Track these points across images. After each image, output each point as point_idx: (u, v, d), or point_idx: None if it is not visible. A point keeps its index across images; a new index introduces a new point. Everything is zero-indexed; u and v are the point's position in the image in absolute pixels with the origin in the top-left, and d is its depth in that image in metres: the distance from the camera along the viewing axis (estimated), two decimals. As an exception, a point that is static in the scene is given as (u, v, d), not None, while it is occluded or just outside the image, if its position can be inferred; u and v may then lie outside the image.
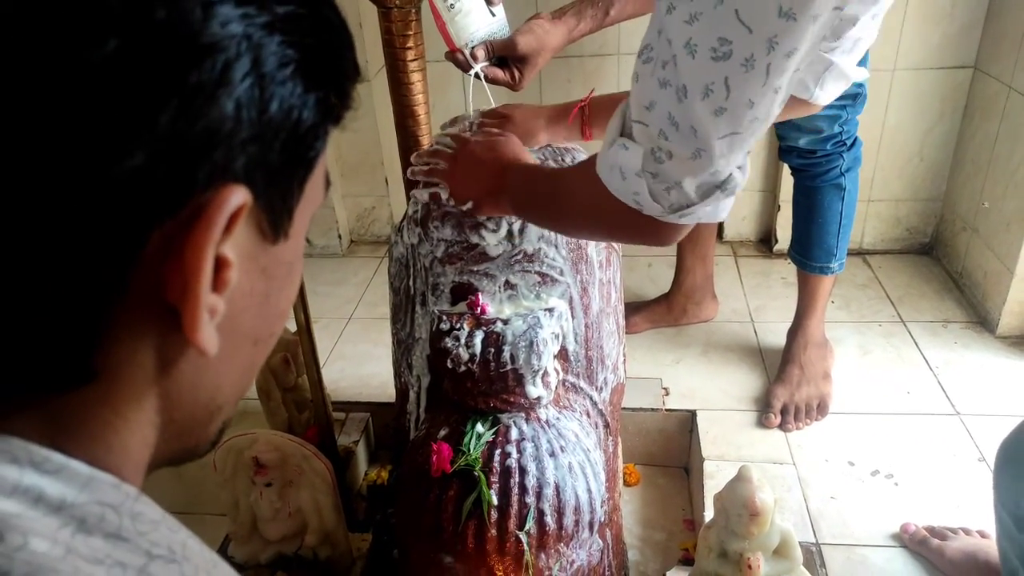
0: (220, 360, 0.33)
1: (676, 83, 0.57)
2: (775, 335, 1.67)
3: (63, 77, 0.24)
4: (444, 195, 0.92)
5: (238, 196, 0.29)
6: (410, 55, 1.06)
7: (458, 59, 1.04)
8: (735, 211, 2.13)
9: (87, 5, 0.25)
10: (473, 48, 1.02)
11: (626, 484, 1.42)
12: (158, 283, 0.29)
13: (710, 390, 1.55)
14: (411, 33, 1.05)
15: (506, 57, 1.04)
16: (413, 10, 1.04)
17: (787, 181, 1.84)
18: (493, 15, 1.02)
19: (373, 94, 2.09)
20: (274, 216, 0.32)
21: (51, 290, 0.27)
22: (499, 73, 1.04)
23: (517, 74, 1.05)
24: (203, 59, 0.27)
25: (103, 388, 0.30)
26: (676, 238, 0.69)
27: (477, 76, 1.03)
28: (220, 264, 0.29)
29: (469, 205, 0.90)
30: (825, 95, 0.85)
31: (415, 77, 1.08)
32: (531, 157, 0.89)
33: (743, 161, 0.63)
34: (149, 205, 0.27)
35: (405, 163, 1.16)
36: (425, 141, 1.13)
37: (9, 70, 0.24)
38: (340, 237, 2.26)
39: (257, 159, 0.29)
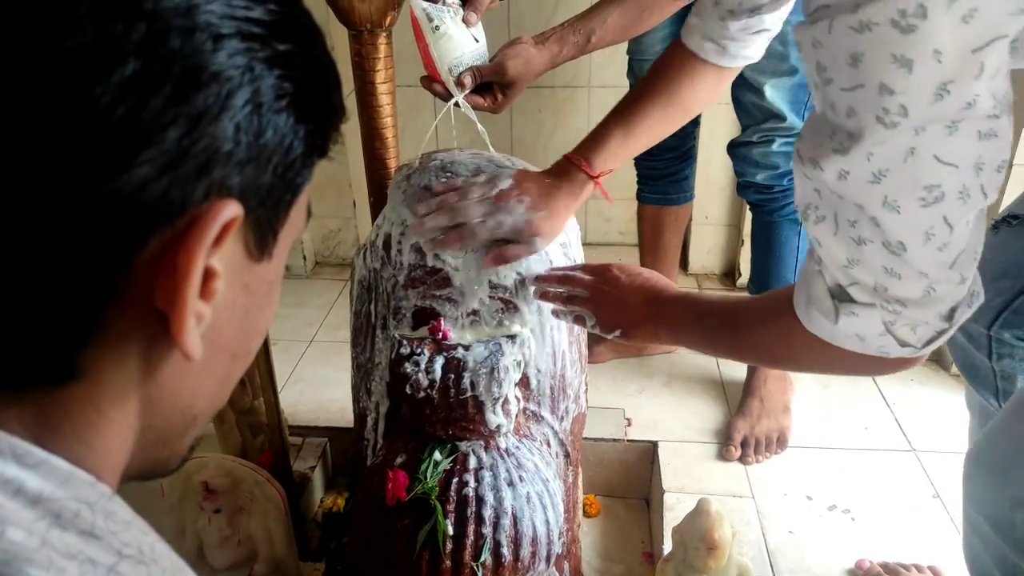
0: (201, 369, 0.35)
1: (882, 239, 0.55)
2: (737, 367, 1.68)
3: (85, 93, 0.27)
4: (590, 322, 0.88)
5: (231, 210, 0.31)
6: (379, 78, 1.05)
7: (436, 89, 1.01)
8: (700, 243, 2.15)
9: (113, 31, 0.28)
10: (460, 74, 0.99)
11: (586, 515, 1.41)
12: (149, 288, 0.30)
13: (672, 421, 1.55)
14: (380, 56, 1.04)
15: (489, 81, 1.02)
16: (383, 34, 1.04)
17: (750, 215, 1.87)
18: (476, 40, 1.00)
19: (343, 116, 2.09)
20: (261, 235, 0.34)
21: (47, 289, 0.28)
22: (479, 100, 1.02)
23: (500, 97, 1.02)
24: (210, 84, 0.30)
25: (88, 387, 0.31)
26: (922, 361, 0.65)
27: (457, 104, 1.00)
28: (208, 274, 0.31)
29: (617, 333, 0.86)
30: None
31: (384, 100, 1.07)
32: (676, 288, 0.87)
33: (975, 270, 0.59)
34: (151, 213, 0.29)
35: (372, 186, 1.15)
36: (392, 164, 1.12)
37: (39, 83, 0.27)
38: (305, 258, 2.24)
39: (251, 179, 0.32)
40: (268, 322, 0.39)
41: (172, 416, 0.35)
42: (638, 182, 1.69)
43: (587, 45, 1.05)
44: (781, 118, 1.37)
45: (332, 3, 1.01)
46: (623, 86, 1.64)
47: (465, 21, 0.98)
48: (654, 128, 0.94)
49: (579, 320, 0.90)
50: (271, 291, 0.38)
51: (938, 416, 1.59)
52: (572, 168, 0.94)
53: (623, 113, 0.94)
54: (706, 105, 0.96)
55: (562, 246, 1.00)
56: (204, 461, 1.08)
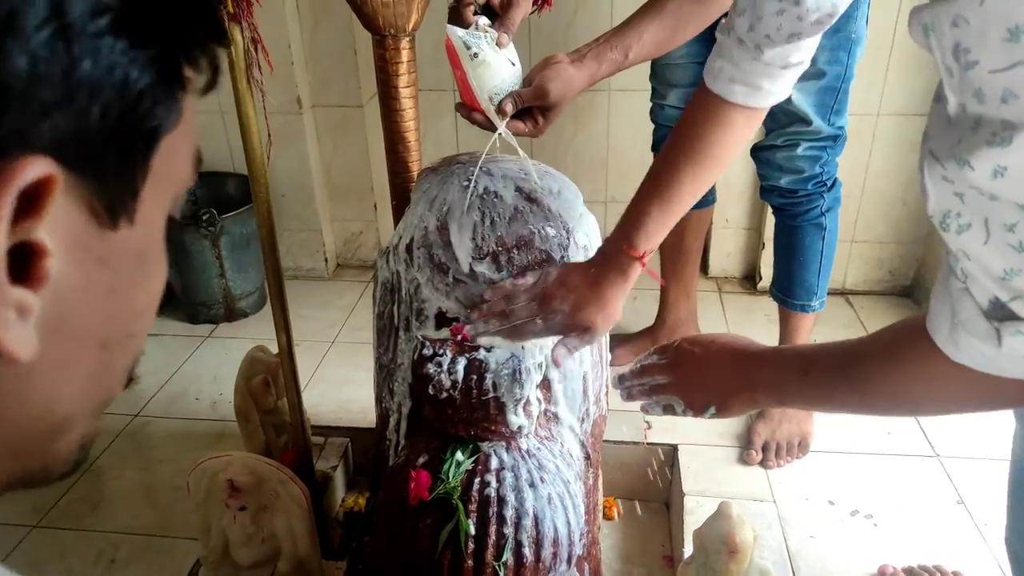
0: (52, 367, 0.28)
1: None
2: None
3: None
4: (679, 409, 0.84)
5: (36, 169, 0.24)
6: (402, 82, 1.07)
7: (475, 119, 0.99)
8: (720, 247, 2.15)
9: None
10: (501, 101, 0.95)
11: (606, 518, 1.41)
12: None
13: (692, 425, 1.54)
14: (404, 61, 1.06)
15: (529, 105, 0.99)
16: (407, 39, 1.05)
17: (772, 219, 1.86)
18: (512, 64, 0.97)
19: (365, 120, 2.10)
20: (108, 196, 0.28)
21: None
22: (520, 126, 0.99)
23: (540, 120, 0.99)
24: None
25: None
26: None
27: (493, 129, 0.97)
28: (34, 251, 0.25)
29: (712, 411, 0.81)
30: None
31: (407, 104, 1.09)
32: (760, 345, 0.81)
33: None
34: None
35: (394, 189, 1.16)
36: (415, 167, 1.13)
37: None
38: (326, 260, 2.26)
39: (67, 128, 0.25)
40: (153, 296, 0.33)
41: (27, 424, 0.29)
42: (659, 185, 1.69)
43: (624, 61, 1.02)
44: (807, 122, 1.37)
45: (356, 9, 1.02)
46: (645, 89, 1.64)
47: (497, 43, 0.95)
48: (690, 192, 0.91)
49: (669, 409, 0.85)
50: (144, 262, 0.31)
51: (963, 421, 1.57)
52: (616, 254, 0.91)
53: (657, 185, 0.91)
54: (738, 152, 0.92)
55: (583, 249, 1.01)
56: (230, 460, 1.10)
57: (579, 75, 0.99)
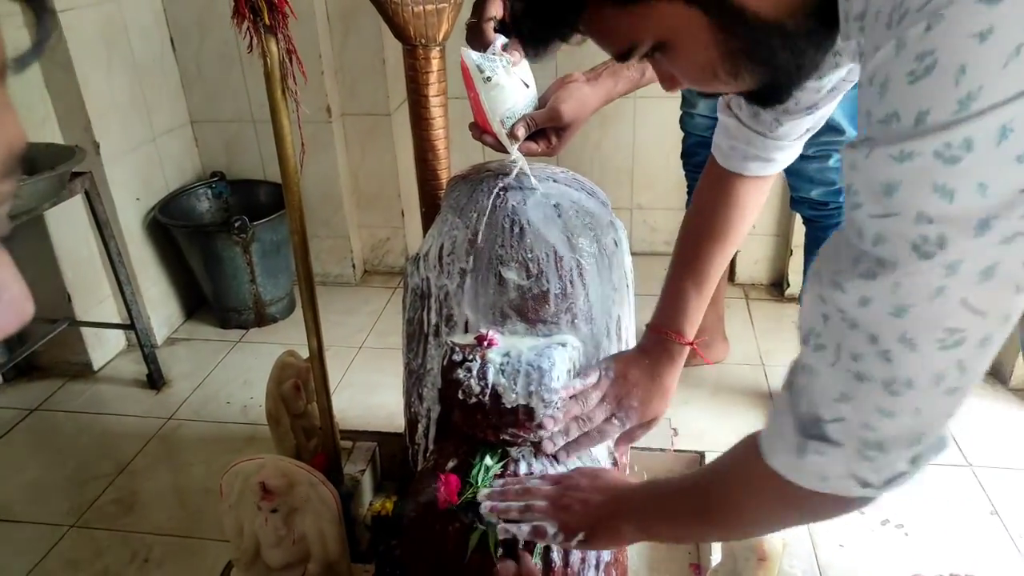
0: None
1: (885, 376, 0.52)
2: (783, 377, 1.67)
3: None
4: (551, 531, 0.83)
5: None
6: (432, 91, 1.08)
7: (487, 141, 0.99)
8: (747, 254, 2.14)
9: None
10: (513, 125, 0.95)
11: (632, 525, 1.41)
12: None
13: (719, 432, 1.54)
14: (434, 70, 1.07)
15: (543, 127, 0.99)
16: (436, 48, 1.06)
17: (800, 226, 1.85)
18: (526, 85, 0.96)
19: (393, 128, 2.13)
20: None
21: None
22: (533, 147, 0.99)
23: (555, 140, 0.99)
24: None
25: None
26: (872, 502, 0.63)
27: (506, 151, 0.98)
28: None
29: (581, 537, 0.81)
30: None
31: (436, 112, 1.10)
32: (628, 480, 0.86)
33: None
34: None
35: (423, 196, 1.18)
36: (444, 175, 1.14)
37: None
38: (354, 267, 2.28)
39: None
40: None
41: None
42: (688, 193, 1.69)
43: (641, 79, 1.01)
44: (840, 131, 1.35)
45: (387, 19, 1.04)
46: (672, 97, 1.65)
47: (510, 55, 0.95)
48: (721, 266, 0.96)
49: (538, 532, 0.84)
50: None
51: (996, 431, 1.55)
52: (666, 343, 0.97)
53: (690, 270, 0.96)
54: (759, 208, 0.96)
55: (609, 256, 1.01)
56: (262, 463, 1.12)
57: (594, 94, 0.99)
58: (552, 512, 0.83)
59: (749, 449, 0.65)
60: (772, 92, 0.62)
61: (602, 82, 1.00)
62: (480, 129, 0.99)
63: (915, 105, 0.45)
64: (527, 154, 0.99)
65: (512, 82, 0.94)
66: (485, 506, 0.88)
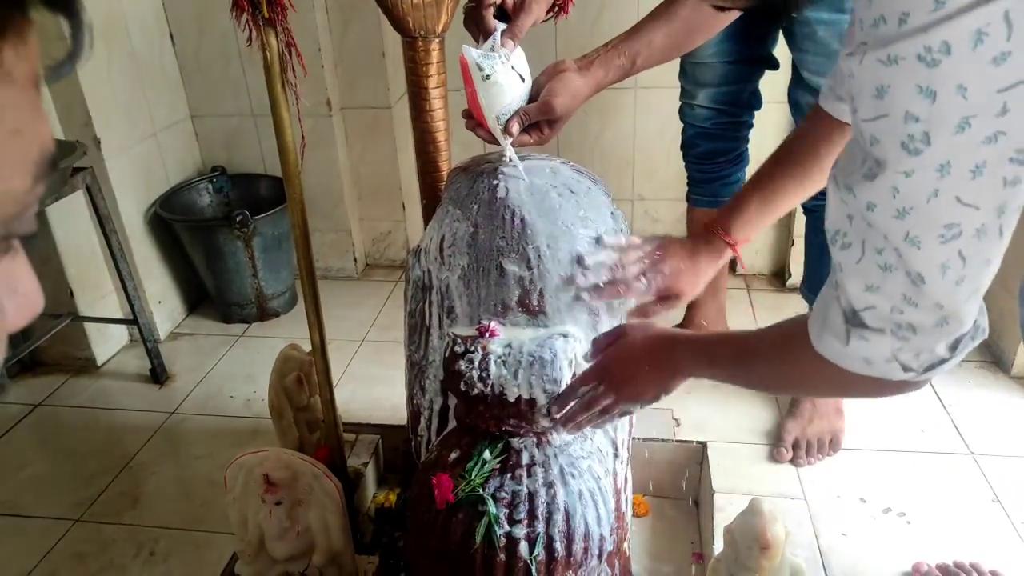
0: None
1: (905, 269, 0.57)
2: (787, 369, 1.67)
3: None
4: (635, 408, 0.89)
5: None
6: (432, 83, 1.08)
7: (480, 134, 1.00)
8: (748, 245, 2.14)
9: None
10: (507, 121, 0.96)
11: (635, 515, 1.42)
12: None
13: (721, 422, 1.54)
14: (433, 62, 1.07)
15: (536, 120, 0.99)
16: (436, 40, 1.06)
17: (801, 216, 1.85)
18: (522, 79, 0.97)
19: (393, 121, 2.13)
20: None
21: None
22: (526, 138, 1.00)
23: (546, 131, 1.00)
24: None
25: None
26: (922, 387, 0.68)
27: (499, 144, 0.99)
28: None
29: (662, 396, 0.87)
30: None
31: (436, 104, 1.10)
32: (670, 331, 0.89)
33: (981, 303, 0.62)
34: None
35: (424, 188, 1.18)
36: (445, 167, 1.14)
37: None
38: (355, 260, 2.28)
39: None
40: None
41: None
42: (688, 184, 1.69)
43: (632, 68, 1.02)
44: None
45: (387, 11, 1.04)
46: (671, 86, 1.64)
47: (502, 45, 0.95)
48: (791, 197, 0.97)
49: (625, 412, 0.90)
50: None
51: (997, 419, 1.55)
52: (713, 237, 0.98)
53: (761, 184, 0.97)
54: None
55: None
56: (266, 455, 1.12)
57: (585, 83, 1.00)
58: (624, 400, 0.88)
59: (795, 336, 0.70)
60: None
61: (593, 72, 1.00)
62: (474, 121, 1.00)
63: (898, 8, 0.50)
64: (520, 145, 1.00)
65: (510, 79, 0.94)
66: (561, 430, 0.94)
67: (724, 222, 0.98)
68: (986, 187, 0.52)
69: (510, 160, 0.99)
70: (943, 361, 0.63)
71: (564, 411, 0.91)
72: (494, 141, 0.99)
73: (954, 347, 0.62)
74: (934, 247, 0.55)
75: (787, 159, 0.96)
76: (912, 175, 0.53)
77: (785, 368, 0.75)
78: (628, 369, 0.87)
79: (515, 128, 0.96)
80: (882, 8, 0.51)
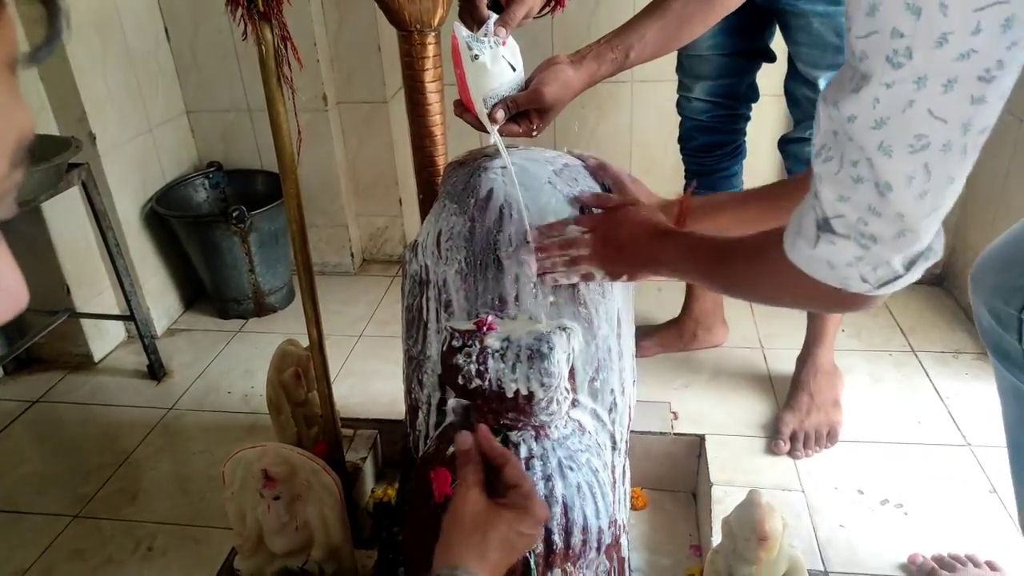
0: None
1: (874, 179, 0.62)
2: (785, 362, 1.67)
3: None
4: (599, 276, 0.92)
5: None
6: (428, 77, 1.08)
7: (468, 119, 1.00)
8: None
9: None
10: (493, 107, 0.95)
11: (633, 508, 1.42)
12: None
13: (719, 415, 1.54)
14: (429, 56, 1.07)
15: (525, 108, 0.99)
16: (432, 34, 1.06)
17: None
18: (513, 69, 0.97)
19: (390, 116, 2.12)
20: None
21: None
22: (515, 128, 0.99)
23: (536, 122, 1.00)
24: None
25: None
26: (875, 305, 0.73)
27: (486, 131, 0.98)
28: None
29: (624, 278, 0.92)
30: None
31: (433, 99, 1.10)
32: (663, 220, 0.91)
33: (939, 226, 0.67)
34: None
35: (421, 183, 1.17)
36: (441, 162, 1.14)
37: None
38: (352, 256, 2.28)
39: None
40: None
41: None
42: (686, 177, 1.69)
43: (625, 61, 1.02)
44: None
45: (382, 5, 1.04)
46: (668, 80, 1.64)
47: (495, 33, 0.95)
48: (749, 203, 1.01)
49: (586, 277, 0.93)
50: None
51: (994, 410, 1.55)
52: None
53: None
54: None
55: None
56: (264, 450, 1.12)
57: (577, 76, 0.99)
58: (598, 260, 0.91)
59: (772, 242, 0.74)
60: None
61: (585, 64, 1.00)
62: (463, 107, 0.99)
63: None
64: (508, 135, 0.99)
65: (499, 64, 0.94)
66: (535, 266, 0.94)
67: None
68: (955, 102, 0.57)
69: (494, 146, 0.98)
70: (898, 277, 0.67)
71: (545, 239, 0.93)
72: (481, 127, 0.98)
73: (909, 264, 0.67)
74: (903, 156, 0.60)
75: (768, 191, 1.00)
76: (892, 87, 0.58)
77: (758, 269, 0.78)
78: (620, 233, 0.89)
79: (500, 114, 0.95)
80: None
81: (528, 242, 0.94)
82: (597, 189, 1.04)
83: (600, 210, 0.96)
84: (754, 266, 0.79)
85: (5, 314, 0.28)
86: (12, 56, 0.24)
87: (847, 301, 0.71)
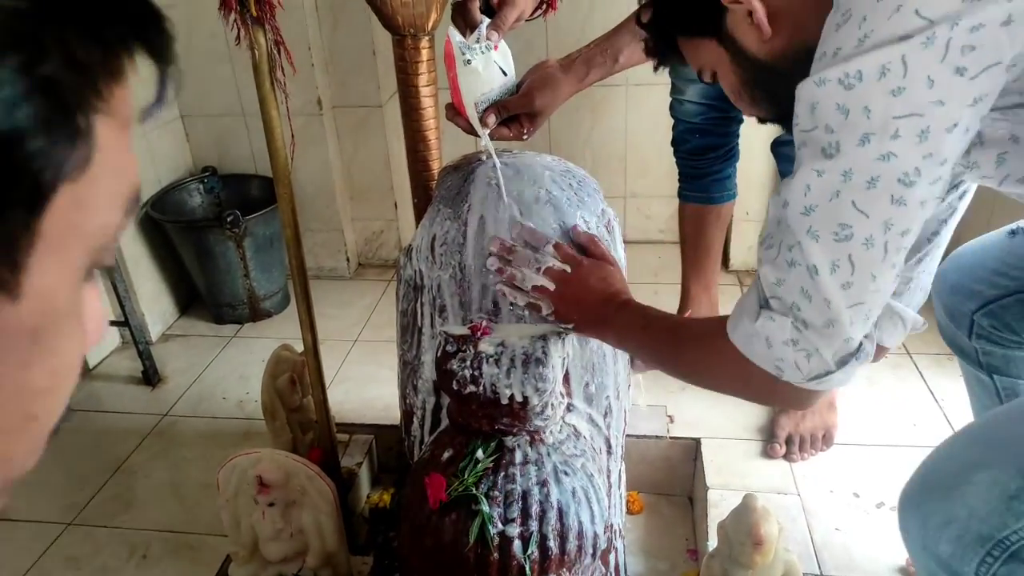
0: None
1: (805, 263, 0.67)
2: (780, 365, 1.67)
3: None
4: (545, 310, 0.93)
5: None
6: (422, 81, 1.08)
7: (460, 123, 1.01)
8: (741, 240, 2.14)
9: None
10: (484, 111, 0.97)
11: (629, 512, 1.42)
12: None
13: (715, 419, 1.54)
14: (423, 60, 1.07)
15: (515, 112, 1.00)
16: (425, 38, 1.06)
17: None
18: (504, 73, 0.98)
19: (384, 120, 2.12)
20: None
21: None
22: (505, 131, 1.01)
23: (527, 126, 1.01)
24: None
25: None
26: (809, 404, 0.76)
27: (477, 135, 1.00)
28: None
29: (570, 326, 0.92)
30: (885, 336, 0.95)
31: (427, 103, 1.10)
32: (629, 293, 0.92)
33: (871, 331, 0.71)
34: None
35: (415, 187, 1.17)
36: (436, 166, 1.14)
37: None
38: (348, 260, 2.28)
39: None
40: (59, 376, 0.28)
41: None
42: (680, 180, 1.69)
43: (615, 66, 1.03)
44: None
45: (376, 9, 1.04)
46: (663, 83, 1.64)
47: (487, 37, 0.96)
48: None
49: (533, 307, 0.93)
50: (40, 337, 0.25)
51: (990, 413, 1.56)
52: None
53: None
54: None
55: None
56: (259, 456, 1.12)
57: (566, 81, 1.01)
58: (553, 298, 0.92)
59: (718, 326, 0.78)
60: (786, 119, 0.73)
61: (575, 69, 1.01)
62: (454, 111, 1.00)
63: (834, 43, 0.62)
64: (499, 139, 1.00)
65: (490, 69, 0.95)
66: (491, 262, 0.94)
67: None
68: (877, 199, 0.62)
69: (485, 150, 0.99)
70: (829, 373, 0.70)
71: (510, 266, 0.93)
72: (473, 131, 0.99)
73: (841, 362, 0.70)
74: (829, 243, 0.65)
75: None
76: (823, 175, 0.64)
77: (702, 353, 0.82)
78: (585, 285, 0.91)
79: (491, 119, 0.96)
80: (826, 45, 0.63)
81: (492, 251, 0.94)
82: (597, 199, 1.04)
83: (583, 253, 0.95)
84: (699, 350, 0.82)
85: (96, 340, 0.30)
86: (129, 116, 0.26)
87: (781, 392, 0.73)
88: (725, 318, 0.78)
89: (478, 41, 0.95)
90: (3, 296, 0.23)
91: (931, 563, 0.78)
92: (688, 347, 0.84)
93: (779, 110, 0.76)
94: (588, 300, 0.90)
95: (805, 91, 0.64)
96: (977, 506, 0.73)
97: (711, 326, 0.80)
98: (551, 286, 0.91)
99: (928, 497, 0.80)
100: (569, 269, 0.92)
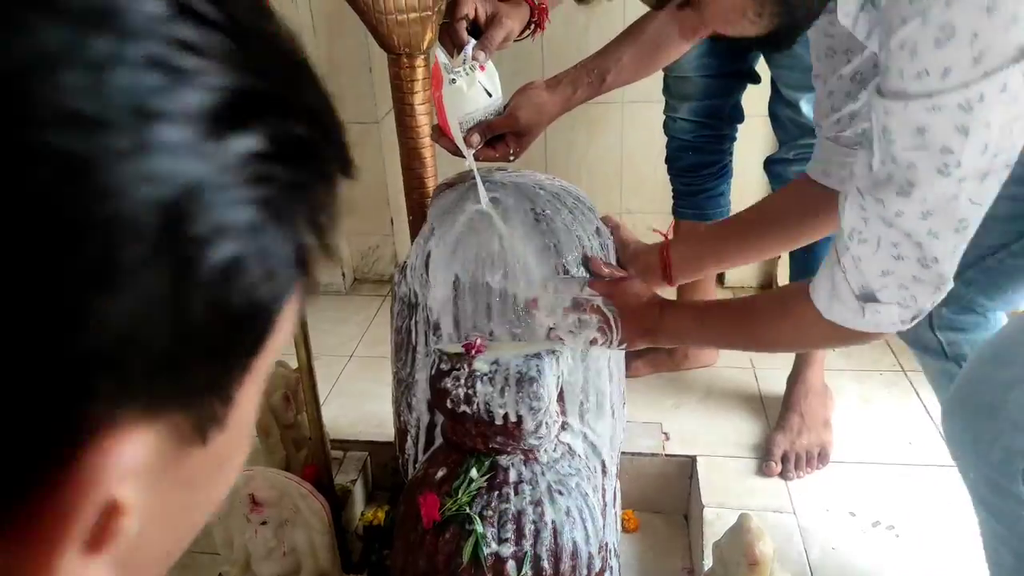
0: None
1: (918, 255, 0.72)
2: (776, 382, 1.67)
3: None
4: (601, 341, 0.94)
5: (131, 451, 0.20)
6: (417, 99, 1.08)
7: (445, 144, 1.01)
8: (736, 257, 2.14)
9: None
10: (468, 131, 0.96)
11: (624, 530, 1.41)
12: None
13: (710, 436, 1.54)
14: (418, 79, 1.07)
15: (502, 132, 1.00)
16: (421, 56, 1.06)
17: (788, 229, 1.85)
18: (490, 94, 0.97)
19: (381, 135, 2.13)
20: (202, 416, 0.23)
21: None
22: (491, 152, 1.00)
23: (513, 146, 1.01)
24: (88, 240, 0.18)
25: None
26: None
27: (462, 156, 0.99)
28: (110, 511, 0.20)
29: (624, 346, 0.95)
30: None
31: (422, 121, 1.10)
32: (656, 293, 0.97)
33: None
34: None
35: (410, 204, 1.17)
36: (431, 183, 1.14)
37: None
38: (343, 275, 2.28)
39: (172, 384, 0.20)
40: (221, 498, 0.29)
41: None
42: (674, 197, 1.70)
43: (602, 86, 1.03)
44: (816, 134, 1.36)
45: (372, 28, 1.04)
46: (658, 101, 1.65)
47: (473, 58, 0.96)
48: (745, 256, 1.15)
49: (593, 341, 0.95)
50: (224, 467, 0.27)
51: (985, 431, 1.55)
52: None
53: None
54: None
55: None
56: (251, 474, 1.11)
57: (552, 100, 1.00)
58: (605, 328, 0.94)
59: (799, 299, 0.83)
60: (785, 33, 0.77)
61: (561, 89, 1.01)
62: (440, 131, 1.01)
63: (940, 63, 0.63)
64: (484, 159, 1.00)
65: (475, 89, 0.95)
66: (540, 319, 0.96)
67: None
68: (989, 187, 0.68)
69: (470, 170, 0.99)
70: (924, 313, 0.78)
71: (550, 299, 0.95)
72: (458, 152, 0.99)
73: (934, 302, 0.78)
74: (949, 236, 0.71)
75: (769, 214, 1.07)
76: (938, 187, 0.68)
77: (782, 325, 0.88)
78: (624, 304, 0.94)
79: (475, 139, 0.96)
80: (925, 64, 0.63)
81: (527, 307, 0.96)
82: (595, 217, 1.04)
83: (605, 276, 0.98)
84: (779, 322, 0.88)
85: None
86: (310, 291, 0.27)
87: (871, 337, 0.80)
88: (794, 291, 0.85)
89: (464, 61, 0.95)
90: (215, 430, 0.24)
91: (984, 469, 0.90)
92: (764, 324, 0.90)
93: (788, 18, 0.76)
94: (628, 319, 0.93)
95: (909, 114, 0.66)
96: (1020, 420, 0.83)
97: (786, 300, 0.87)
98: (596, 321, 0.94)
99: (976, 417, 0.91)
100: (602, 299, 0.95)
